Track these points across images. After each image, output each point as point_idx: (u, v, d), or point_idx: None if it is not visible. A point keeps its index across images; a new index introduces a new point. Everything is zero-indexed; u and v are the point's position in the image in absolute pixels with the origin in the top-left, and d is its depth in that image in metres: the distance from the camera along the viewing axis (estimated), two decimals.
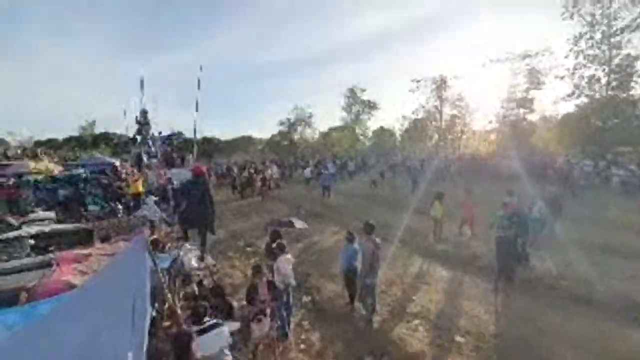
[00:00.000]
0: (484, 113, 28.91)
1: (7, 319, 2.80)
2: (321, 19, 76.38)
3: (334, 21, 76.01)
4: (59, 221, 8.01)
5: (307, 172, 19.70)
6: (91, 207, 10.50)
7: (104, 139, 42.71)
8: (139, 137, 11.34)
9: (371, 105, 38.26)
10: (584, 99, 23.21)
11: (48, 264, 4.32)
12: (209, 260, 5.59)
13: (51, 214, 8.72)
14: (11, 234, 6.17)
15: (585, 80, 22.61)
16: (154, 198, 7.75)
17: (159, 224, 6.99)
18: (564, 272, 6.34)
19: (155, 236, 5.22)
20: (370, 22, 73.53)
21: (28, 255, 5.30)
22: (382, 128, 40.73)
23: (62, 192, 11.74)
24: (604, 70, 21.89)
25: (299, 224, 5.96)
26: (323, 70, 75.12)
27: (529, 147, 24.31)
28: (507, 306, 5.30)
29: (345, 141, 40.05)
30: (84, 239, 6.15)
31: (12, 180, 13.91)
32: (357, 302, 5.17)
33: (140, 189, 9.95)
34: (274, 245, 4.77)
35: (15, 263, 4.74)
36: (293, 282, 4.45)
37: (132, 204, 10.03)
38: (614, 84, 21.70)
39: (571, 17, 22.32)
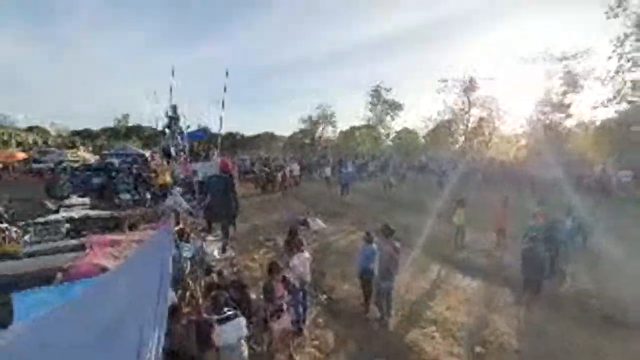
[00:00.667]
0: (515, 116, 27.52)
1: (44, 297, 3.03)
2: (348, 17, 76.00)
3: (362, 20, 75.33)
4: (92, 207, 8.51)
5: (327, 170, 19.75)
6: (122, 196, 11.07)
7: (136, 131, 44.86)
8: (167, 131, 11.81)
9: (395, 106, 37.59)
10: (626, 105, 21.56)
11: (82, 247, 4.61)
12: (230, 252, 5.74)
13: (86, 200, 9.29)
14: (49, 218, 6.65)
15: (629, 84, 20.97)
16: (179, 189, 8.06)
17: (184, 215, 7.26)
18: (596, 289, 5.98)
19: (180, 226, 5.43)
20: (397, 21, 72.25)
21: (64, 238, 5.69)
22: (405, 129, 39.93)
23: (96, 180, 12.49)
24: None
25: (317, 223, 5.99)
26: (348, 69, 74.81)
27: (564, 154, 22.87)
28: (531, 321, 5.07)
29: (367, 141, 39.66)
30: (116, 225, 6.50)
31: (51, 167, 14.99)
32: (372, 304, 5.13)
33: (168, 180, 10.38)
34: (291, 242, 4.83)
35: (52, 245, 5.10)
36: (308, 280, 4.48)
37: (159, 194, 10.48)
38: None
39: (616, 16, 20.71)
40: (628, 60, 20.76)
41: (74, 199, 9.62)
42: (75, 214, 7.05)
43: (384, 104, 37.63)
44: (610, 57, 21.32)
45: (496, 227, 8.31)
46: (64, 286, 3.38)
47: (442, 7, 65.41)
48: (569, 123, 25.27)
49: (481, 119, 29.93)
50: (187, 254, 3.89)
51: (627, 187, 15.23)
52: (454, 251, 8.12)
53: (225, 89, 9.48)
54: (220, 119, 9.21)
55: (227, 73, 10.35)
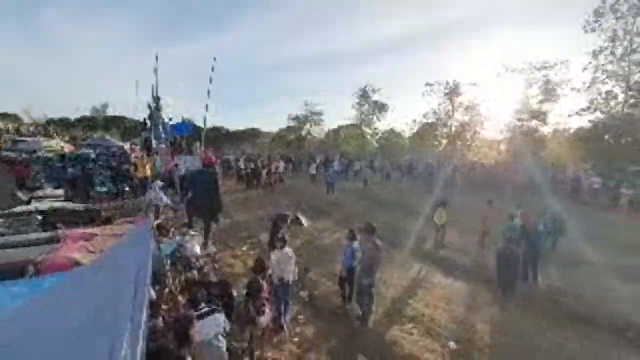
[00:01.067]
0: (496, 122, 28.54)
1: (14, 290, 2.89)
2: (338, 20, 75.90)
3: (352, 23, 75.51)
4: (67, 199, 8.16)
5: (313, 168, 19.77)
6: (99, 188, 10.67)
7: (116, 122, 43.24)
8: (149, 122, 11.45)
9: (382, 107, 38.03)
10: (599, 115, 22.77)
11: (56, 240, 4.42)
12: (212, 248, 5.66)
13: (60, 192, 8.89)
14: (20, 209, 6.33)
15: (602, 96, 22.18)
16: (160, 183, 7.86)
17: (164, 210, 7.09)
18: (565, 289, 6.30)
19: (160, 221, 5.30)
20: (386, 25, 72.91)
21: (36, 231, 5.43)
22: (391, 130, 40.50)
23: (71, 171, 11.95)
24: (622, 87, 21.46)
25: (303, 220, 5.99)
26: (336, 69, 74.74)
27: (540, 159, 23.93)
28: (505, 319, 5.28)
29: (353, 140, 39.95)
30: (91, 218, 6.26)
31: (24, 157, 14.23)
32: (354, 301, 5.20)
33: (149, 173, 10.08)
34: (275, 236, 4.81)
35: (23, 237, 4.86)
36: (290, 278, 4.45)
37: (139, 187, 10.17)
38: (631, 101, 21.27)
39: (593, 30, 21.85)
40: (603, 73, 21.92)
41: (48, 191, 9.19)
42: (49, 205, 6.74)
43: (371, 104, 38.01)
44: (585, 69, 22.48)
45: (481, 229, 8.58)
46: (35, 280, 3.24)
47: (430, 16, 66.68)
48: (546, 130, 26.45)
49: (464, 124, 30.87)
50: (167, 250, 3.81)
51: (596, 194, 16.07)
52: (435, 250, 8.33)
53: (213, 69, 9.29)
54: (206, 106, 9.02)
55: (215, 59, 10.14)
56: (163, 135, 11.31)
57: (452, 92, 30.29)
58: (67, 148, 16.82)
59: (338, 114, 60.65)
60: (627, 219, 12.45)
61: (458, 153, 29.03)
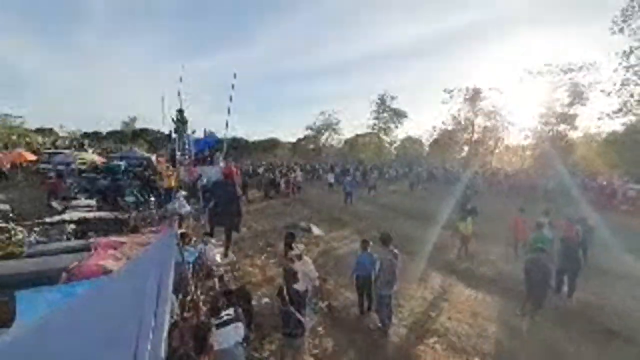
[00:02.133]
0: (521, 127, 27.50)
1: (48, 297, 3.07)
2: (355, 28, 76.84)
3: (369, 30, 76.19)
4: (98, 209, 8.61)
5: (331, 177, 19.82)
6: (127, 198, 11.18)
7: (143, 135, 45.44)
8: (174, 135, 11.98)
9: (400, 114, 37.75)
10: (632, 117, 21.46)
11: (87, 248, 4.66)
12: (232, 257, 5.77)
13: (92, 202, 9.39)
14: (55, 218, 6.74)
15: (635, 97, 20.93)
16: (183, 193, 8.14)
17: (187, 219, 7.31)
18: (599, 303, 5.89)
19: (183, 230, 5.47)
20: (404, 32, 73.02)
21: (69, 239, 5.75)
22: (410, 137, 40.00)
23: (102, 182, 12.64)
24: None
25: (315, 230, 6.01)
26: (354, 78, 75.40)
27: (569, 165, 22.74)
28: (534, 333, 4.99)
29: (371, 148, 39.74)
30: (120, 227, 6.56)
31: (58, 168, 15.19)
32: (372, 312, 5.11)
33: (173, 183, 10.48)
34: (289, 249, 4.83)
35: (57, 245, 5.16)
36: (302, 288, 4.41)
37: (164, 197, 10.58)
38: None
39: (621, 31, 20.80)
40: (634, 74, 20.75)
41: (81, 201, 9.74)
42: (82, 215, 7.13)
43: (389, 112, 37.81)
44: (616, 70, 21.36)
45: (514, 237, 8.20)
46: (67, 286, 3.42)
47: (449, 20, 66.12)
48: (575, 134, 25.20)
49: (485, 129, 29.96)
50: (189, 258, 3.93)
51: (633, 201, 15.03)
52: (458, 261, 8.05)
53: (232, 87, 9.63)
54: (227, 123, 9.31)
55: (234, 75, 10.52)
56: (187, 147, 11.76)
57: (472, 97, 29.58)
58: (99, 160, 17.84)
59: (355, 122, 60.85)
60: None
61: (480, 159, 28.15)
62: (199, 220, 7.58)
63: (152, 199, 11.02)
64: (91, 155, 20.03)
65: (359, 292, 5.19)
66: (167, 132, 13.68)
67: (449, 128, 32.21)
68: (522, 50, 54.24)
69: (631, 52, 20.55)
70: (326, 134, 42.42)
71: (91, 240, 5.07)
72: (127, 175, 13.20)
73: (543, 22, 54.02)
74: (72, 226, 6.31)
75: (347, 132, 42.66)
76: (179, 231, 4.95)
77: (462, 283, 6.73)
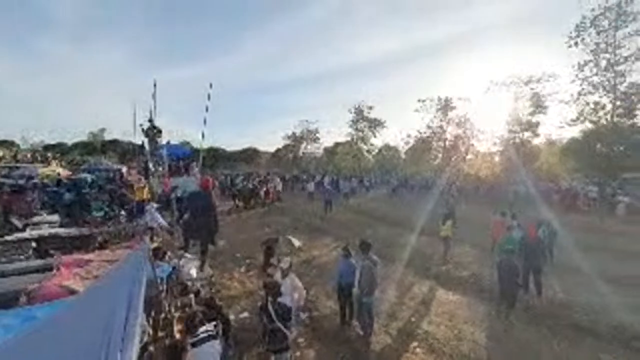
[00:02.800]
0: (489, 135, 29.04)
1: (4, 321, 2.82)
2: (333, 41, 78.60)
3: (347, 43, 78.14)
4: (62, 225, 8.08)
5: (311, 186, 19.84)
6: (95, 212, 10.59)
7: (113, 146, 43.51)
8: (147, 145, 11.56)
9: (377, 123, 38.64)
10: (589, 125, 23.23)
11: (49, 268, 4.35)
12: (208, 270, 5.57)
13: (55, 218, 8.81)
14: (15, 236, 6.25)
15: (591, 106, 22.71)
16: (155, 205, 7.82)
17: (160, 232, 7.02)
18: (567, 300, 6.22)
19: (156, 244, 5.24)
20: (380, 45, 75.50)
21: (30, 258, 5.34)
22: (387, 145, 40.98)
23: (67, 196, 11.89)
24: (609, 97, 22.00)
25: (295, 242, 5.98)
26: (333, 87, 76.77)
27: (534, 170, 24.19)
28: (509, 333, 5.17)
29: (350, 157, 40.25)
30: (86, 244, 6.19)
31: (19, 183, 14.16)
32: (354, 321, 5.10)
33: (145, 196, 10.05)
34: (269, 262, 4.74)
35: (17, 265, 4.78)
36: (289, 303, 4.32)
37: (135, 210, 10.11)
38: (619, 110, 21.72)
39: (576, 44, 22.66)
40: (589, 84, 22.55)
41: (43, 217, 9.10)
42: (43, 232, 6.66)
43: (366, 121, 38.61)
44: (573, 81, 23.12)
45: (492, 241, 8.51)
46: (26, 310, 3.17)
47: (421, 35, 69.38)
48: (538, 141, 26.93)
49: (457, 137, 31.45)
50: (162, 273, 3.75)
51: (593, 202, 16.16)
52: (437, 264, 8.24)
53: (209, 97, 9.53)
54: (202, 133, 9.13)
55: (210, 85, 10.40)
56: (161, 158, 11.38)
57: (444, 107, 31.08)
58: (64, 173, 16.82)
59: (334, 131, 61.74)
60: (624, 226, 12.49)
61: (453, 166, 29.34)
62: (173, 233, 7.29)
63: (123, 212, 10.50)
64: (55, 168, 18.87)
65: (340, 300, 5.17)
66: (139, 143, 13.21)
67: (424, 136, 33.51)
68: (489, 62, 57.81)
69: (585, 64, 22.37)
70: (305, 143, 42.62)
71: (54, 259, 4.74)
72: (95, 188, 12.51)
73: (508, 36, 58.19)
74: (33, 244, 5.87)
75: (327, 141, 43.17)
76: (151, 246, 4.75)
77: (440, 286, 6.89)
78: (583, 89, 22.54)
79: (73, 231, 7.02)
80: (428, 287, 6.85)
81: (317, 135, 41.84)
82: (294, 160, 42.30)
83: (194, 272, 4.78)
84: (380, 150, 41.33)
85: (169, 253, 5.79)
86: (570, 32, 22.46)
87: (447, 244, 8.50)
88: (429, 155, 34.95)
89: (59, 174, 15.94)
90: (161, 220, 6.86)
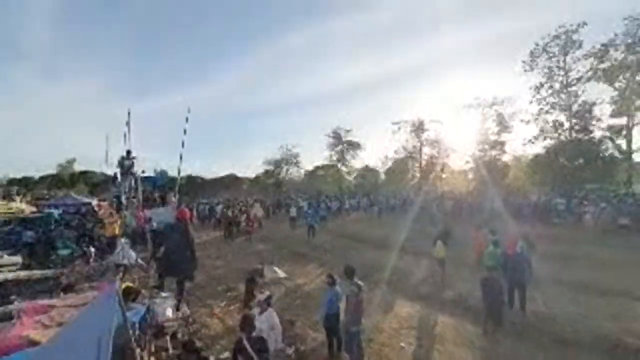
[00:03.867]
0: (461, 154, 30.63)
1: None
2: (310, 67, 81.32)
3: (321, 69, 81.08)
4: (25, 266, 7.44)
5: (293, 211, 19.63)
6: (61, 251, 9.86)
7: (83, 178, 41.56)
8: (120, 177, 11.07)
9: (355, 145, 39.61)
10: (550, 141, 25.09)
11: (8, 317, 3.94)
12: (185, 310, 5.23)
13: (17, 259, 8.11)
14: None
15: (550, 124, 24.66)
16: (123, 241, 7.39)
17: (133, 269, 6.59)
18: (549, 312, 6.32)
19: (128, 283, 4.90)
20: (355, 71, 78.94)
21: None
22: (366, 167, 41.83)
23: (29, 234, 11.04)
24: (566, 115, 23.99)
25: (279, 272, 5.80)
26: (309, 112, 78.43)
27: (504, 186, 25.49)
28: (497, 351, 5.15)
29: (330, 180, 40.68)
30: (51, 286, 5.70)
31: None
32: (343, 352, 4.89)
33: (117, 231, 9.50)
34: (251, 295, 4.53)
35: None
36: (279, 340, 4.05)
37: (106, 247, 9.50)
38: (576, 127, 23.68)
39: (531, 69, 24.94)
40: (546, 104, 24.59)
41: (2, 258, 8.35)
42: (2, 276, 6.08)
43: (344, 144, 39.52)
44: (531, 102, 25.21)
45: (476, 254, 8.60)
46: None
47: (395, 62, 73.50)
48: (506, 158, 28.69)
49: (432, 157, 32.91)
50: (134, 316, 3.48)
51: (561, 214, 17.00)
52: (423, 285, 8.18)
53: (187, 120, 9.38)
54: (180, 156, 8.92)
55: (188, 110, 10.27)
56: (134, 189, 10.91)
57: (417, 128, 32.63)
58: (28, 209, 15.71)
59: (314, 155, 62.35)
60: (592, 235, 13.16)
61: (430, 185, 30.35)
62: (148, 270, 6.87)
63: (92, 249, 9.85)
64: (19, 205, 17.62)
65: (328, 331, 4.97)
66: (112, 174, 12.67)
67: (401, 157, 34.78)
68: (458, 86, 62.17)
69: (541, 86, 24.52)
70: (286, 167, 42.72)
71: (14, 305, 4.31)
72: (62, 224, 11.73)
73: (474, 61, 63.32)
74: None
75: (307, 164, 43.49)
76: (124, 285, 4.45)
77: (428, 308, 6.82)
78: (542, 108, 24.61)
79: (36, 273, 6.47)
80: (415, 310, 6.77)
81: (298, 159, 42.19)
82: (275, 185, 42.06)
83: (169, 312, 4.47)
84: (360, 171, 42.10)
85: (143, 291, 5.43)
86: (525, 58, 24.85)
87: (441, 265, 8.29)
88: (407, 175, 36.12)
89: (22, 211, 14.89)
90: (134, 256, 6.44)
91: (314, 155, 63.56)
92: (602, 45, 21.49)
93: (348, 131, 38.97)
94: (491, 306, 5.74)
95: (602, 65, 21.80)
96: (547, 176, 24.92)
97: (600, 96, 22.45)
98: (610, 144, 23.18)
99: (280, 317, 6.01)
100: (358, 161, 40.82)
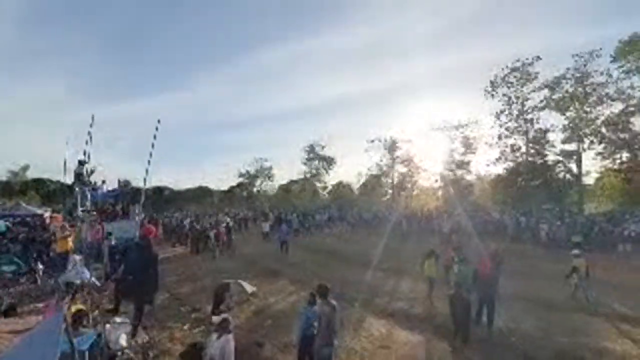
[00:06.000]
0: (431, 172, 32.13)
1: None
2: (286, 82, 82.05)
3: (298, 85, 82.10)
4: None
5: (266, 226, 19.24)
6: (5, 268, 8.87)
7: (36, 186, 38.17)
8: (77, 187, 10.22)
9: (330, 161, 40.06)
10: (510, 163, 27.11)
11: None
12: (143, 336, 4.78)
13: None
14: None
15: (509, 148, 26.70)
16: (77, 257, 6.76)
17: (86, 290, 6.00)
18: (513, 327, 6.52)
19: (79, 305, 4.43)
20: (331, 89, 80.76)
21: None
22: (340, 183, 42.29)
23: None
24: (523, 140, 26.09)
25: (248, 287, 5.55)
26: (284, 127, 78.55)
27: (469, 203, 26.94)
28: None
29: (304, 194, 40.61)
30: None
31: None
32: None
33: (70, 246, 8.70)
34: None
35: None
36: None
37: (57, 264, 8.64)
38: (532, 151, 25.80)
39: (492, 96, 27.08)
40: (506, 129, 26.64)
41: None
42: None
43: (319, 159, 39.87)
44: (492, 127, 27.25)
45: (445, 269, 8.73)
46: None
47: (369, 83, 76.26)
48: (471, 177, 30.56)
49: (403, 175, 34.16)
50: (83, 345, 3.12)
51: (521, 231, 18.08)
52: (393, 302, 8.18)
53: (156, 129, 8.97)
54: (146, 171, 8.47)
55: (158, 121, 9.86)
56: (91, 201, 10.14)
57: (390, 147, 33.88)
58: None
59: (288, 169, 61.97)
60: (546, 252, 14.12)
61: (402, 202, 31.31)
62: (103, 291, 6.29)
63: (41, 266, 8.93)
64: None
65: (301, 354, 4.74)
66: (69, 183, 11.71)
67: (374, 174, 35.74)
68: (429, 108, 66.26)
69: (502, 112, 26.62)
70: (260, 180, 42.13)
71: None
72: (7, 238, 10.57)
73: (442, 85, 67.60)
74: None
75: (281, 179, 43.17)
76: (74, 307, 4.03)
77: (399, 326, 6.79)
78: (502, 133, 26.60)
79: None
80: (387, 329, 6.71)
81: (272, 172, 41.81)
82: (249, 199, 41.20)
83: (123, 340, 4.06)
84: (334, 187, 42.46)
85: (96, 313, 4.94)
86: (487, 86, 27.03)
87: (430, 284, 8.14)
88: (380, 192, 37.08)
89: None
90: (87, 274, 5.85)
91: (288, 169, 63.17)
92: (555, 78, 23.92)
93: (323, 147, 39.46)
94: (459, 323, 5.85)
95: (554, 96, 24.19)
96: (508, 196, 26.67)
97: (554, 124, 24.82)
98: (562, 168, 25.41)
99: (248, 339, 5.74)
100: (333, 176, 41.27)
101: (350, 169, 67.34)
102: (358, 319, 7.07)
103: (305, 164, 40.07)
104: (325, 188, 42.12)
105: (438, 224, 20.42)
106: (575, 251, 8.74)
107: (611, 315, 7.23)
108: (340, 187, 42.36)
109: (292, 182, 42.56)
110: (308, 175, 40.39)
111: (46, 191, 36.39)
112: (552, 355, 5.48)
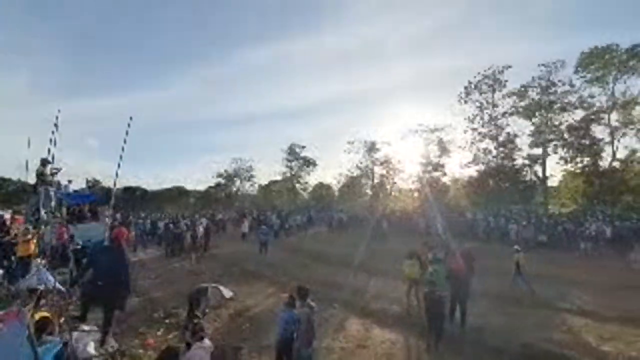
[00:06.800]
0: (408, 174, 32.93)
1: None
2: (266, 83, 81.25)
3: (280, 86, 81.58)
4: None
5: (245, 227, 18.94)
6: None
7: None
8: (41, 188, 9.54)
9: (310, 162, 40.04)
10: (482, 166, 28.40)
11: None
12: (112, 343, 4.54)
13: None
14: None
15: (481, 151, 27.97)
16: (40, 261, 6.34)
17: (50, 296, 5.63)
18: (483, 324, 6.80)
19: (43, 313, 4.15)
20: (311, 89, 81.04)
21: None
22: (321, 184, 42.37)
23: None
24: (493, 144, 27.42)
25: (225, 292, 5.45)
26: (264, 127, 77.79)
27: (445, 204, 27.91)
28: None
29: (285, 195, 40.38)
30: None
31: None
32: None
33: (32, 250, 8.12)
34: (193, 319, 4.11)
35: None
36: None
37: (18, 268, 8.03)
38: (502, 155, 27.17)
39: (465, 102, 28.29)
40: (478, 134, 27.89)
41: None
42: None
43: (299, 160, 39.75)
44: (466, 131, 28.47)
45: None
46: None
47: (351, 84, 77.27)
48: (446, 179, 31.67)
49: (382, 176, 34.78)
50: (48, 354, 2.93)
51: (491, 231, 18.94)
52: (373, 301, 8.29)
53: (128, 126, 8.55)
54: (116, 173, 8.07)
55: (130, 118, 9.39)
56: (58, 201, 9.52)
57: (370, 148, 34.39)
58: None
59: (268, 170, 61.19)
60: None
61: (381, 202, 31.90)
62: (69, 297, 5.93)
63: (0, 271, 8.27)
64: None
65: (279, 356, 4.71)
66: (30, 182, 10.93)
67: (354, 175, 36.12)
68: (405, 111, 67.84)
69: (474, 117, 27.87)
70: (239, 181, 41.35)
71: None
72: None
73: (419, 90, 69.70)
74: None
75: (261, 178, 42.60)
76: (38, 315, 3.78)
77: (377, 325, 6.91)
78: (474, 137, 27.82)
79: None
80: (366, 328, 6.81)
81: (252, 173, 41.17)
82: (227, 199, 40.33)
83: (91, 349, 3.84)
84: (315, 187, 42.46)
85: (62, 320, 4.65)
86: (460, 92, 28.23)
87: (410, 285, 7.95)
88: (360, 192, 37.53)
89: None
90: (52, 280, 5.47)
91: (269, 170, 62.48)
92: (522, 86, 25.36)
93: (303, 147, 39.40)
94: (433, 321, 6.02)
95: (522, 103, 25.66)
96: (480, 197, 27.88)
97: (521, 129, 26.28)
98: (529, 171, 26.94)
99: (225, 343, 5.63)
100: (313, 177, 41.27)
101: (332, 170, 68.07)
102: (338, 319, 7.13)
103: (285, 165, 39.84)
104: (305, 189, 42.06)
105: (418, 223, 20.99)
106: (516, 247, 9.72)
107: (573, 310, 7.74)
108: (321, 188, 42.46)
109: (273, 182, 42.15)
110: (288, 176, 40.16)
111: (6, 191, 33.79)
112: (519, 350, 5.78)
